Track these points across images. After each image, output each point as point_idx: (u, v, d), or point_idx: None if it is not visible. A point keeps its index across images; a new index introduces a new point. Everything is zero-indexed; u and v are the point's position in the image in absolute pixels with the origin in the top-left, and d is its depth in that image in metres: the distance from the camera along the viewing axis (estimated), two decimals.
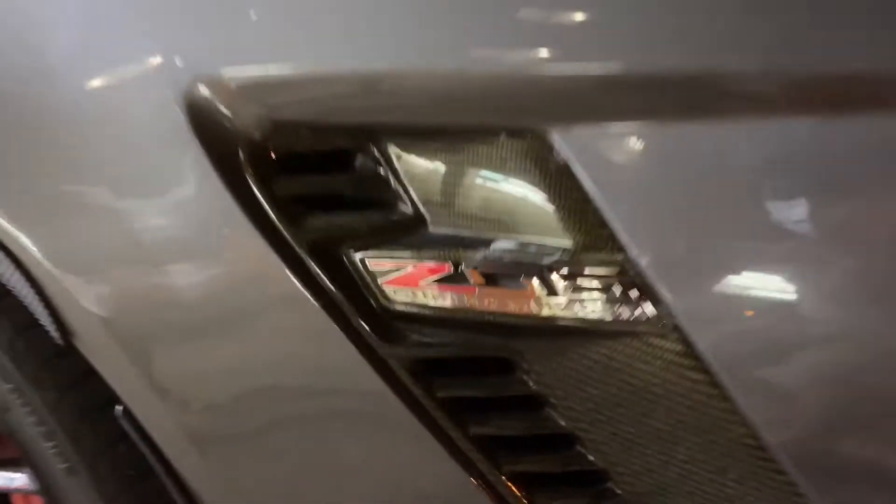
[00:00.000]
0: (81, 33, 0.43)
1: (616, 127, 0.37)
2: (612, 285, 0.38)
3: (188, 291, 0.44)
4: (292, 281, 0.42)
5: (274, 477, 0.50)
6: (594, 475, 0.44)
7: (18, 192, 0.44)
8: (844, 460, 0.37)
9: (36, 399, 0.50)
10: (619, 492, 0.44)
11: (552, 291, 0.40)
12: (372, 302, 0.43)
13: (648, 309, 0.37)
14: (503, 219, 0.40)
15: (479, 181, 0.41)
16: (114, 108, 0.43)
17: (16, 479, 0.59)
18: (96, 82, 0.43)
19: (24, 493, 0.62)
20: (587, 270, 0.39)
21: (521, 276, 0.40)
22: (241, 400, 0.47)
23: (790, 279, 0.35)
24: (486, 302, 0.41)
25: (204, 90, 0.41)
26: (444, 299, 0.42)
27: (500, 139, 0.39)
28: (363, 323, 0.42)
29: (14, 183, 0.44)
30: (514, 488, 0.44)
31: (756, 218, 0.35)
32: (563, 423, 0.43)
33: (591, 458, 0.43)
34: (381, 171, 0.42)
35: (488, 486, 0.44)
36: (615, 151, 0.37)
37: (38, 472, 0.54)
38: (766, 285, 0.35)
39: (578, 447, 0.43)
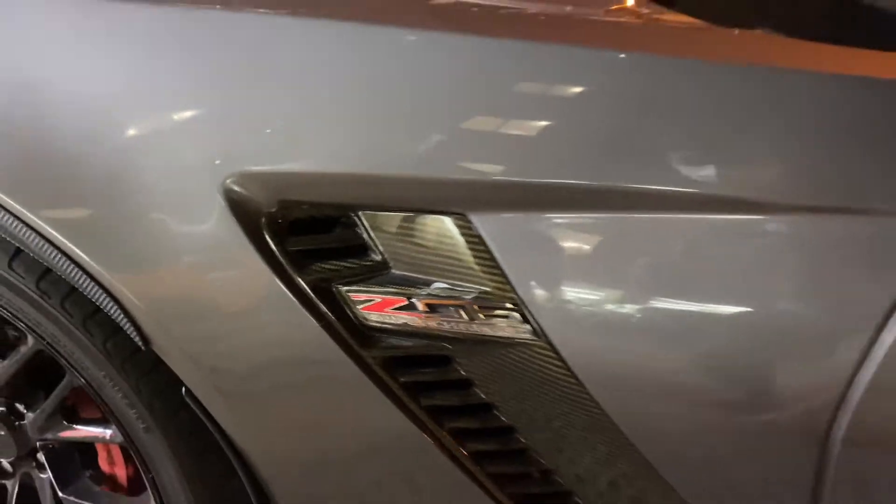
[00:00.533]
0: (159, 137, 0.62)
1: (510, 213, 0.58)
2: (508, 313, 0.60)
3: (227, 314, 0.65)
4: (299, 308, 0.62)
5: (285, 427, 0.71)
6: (506, 430, 0.66)
7: (117, 251, 0.64)
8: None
9: (122, 382, 0.72)
10: (522, 440, 0.66)
11: (471, 316, 0.61)
12: (354, 321, 0.63)
13: (526, 327, 0.59)
14: (440, 267, 0.61)
15: (424, 242, 0.61)
16: (175, 189, 0.63)
17: (108, 433, 0.82)
18: (165, 174, 0.62)
19: (113, 442, 0.85)
20: (492, 303, 0.60)
21: (450, 306, 0.61)
22: (262, 378, 0.68)
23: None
24: (429, 322, 0.62)
25: (234, 181, 0.60)
26: (402, 319, 0.63)
27: (437, 216, 0.60)
28: (348, 335, 0.63)
29: (112, 241, 0.64)
30: (452, 440, 0.66)
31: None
32: (483, 396, 0.65)
33: (503, 419, 0.65)
34: (359, 231, 0.63)
35: (436, 439, 0.67)
36: (510, 229, 0.58)
37: (123, 430, 0.76)
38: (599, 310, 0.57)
39: (495, 412, 0.65)
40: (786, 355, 0.56)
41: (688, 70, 0.55)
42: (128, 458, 0.91)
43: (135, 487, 0.91)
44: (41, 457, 0.93)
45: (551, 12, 0.64)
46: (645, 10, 0.69)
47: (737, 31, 0.63)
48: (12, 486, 0.97)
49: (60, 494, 0.90)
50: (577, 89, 0.56)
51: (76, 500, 0.89)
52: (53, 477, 0.90)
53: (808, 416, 0.55)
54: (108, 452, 0.91)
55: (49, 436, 0.87)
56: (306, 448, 0.73)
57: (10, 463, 0.96)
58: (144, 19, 0.62)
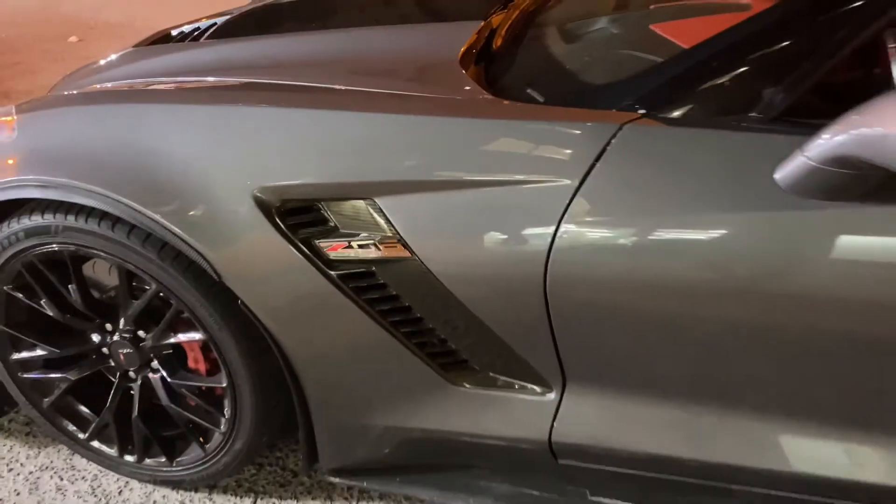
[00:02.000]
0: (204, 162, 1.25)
1: (394, 196, 1.20)
2: (396, 245, 1.21)
3: (259, 263, 1.27)
4: (295, 254, 1.24)
5: (299, 324, 1.33)
6: (419, 319, 1.27)
7: (203, 231, 1.26)
8: None
9: (206, 303, 1.33)
10: (443, 337, 1.28)
11: (378, 248, 1.22)
12: (323, 257, 1.25)
13: (406, 253, 1.21)
14: (363, 226, 1.23)
15: (354, 214, 1.23)
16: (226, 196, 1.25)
17: (197, 336, 1.44)
18: (218, 187, 1.25)
19: (198, 341, 1.48)
20: (389, 241, 1.21)
21: (370, 245, 1.22)
22: (280, 295, 1.29)
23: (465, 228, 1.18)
24: (359, 253, 1.23)
25: (259, 191, 1.22)
26: (349, 254, 1.24)
27: (359, 200, 1.22)
28: (320, 264, 1.25)
29: (199, 224, 1.26)
30: (392, 327, 1.27)
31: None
32: (393, 293, 1.26)
33: (414, 311, 1.26)
34: (323, 213, 1.24)
35: (383, 327, 1.27)
36: (396, 203, 1.20)
37: (206, 331, 1.38)
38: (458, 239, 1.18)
39: (407, 304, 1.26)
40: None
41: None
42: (205, 358, 1.54)
43: (210, 374, 1.54)
44: (155, 364, 1.56)
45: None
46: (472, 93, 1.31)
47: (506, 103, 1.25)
48: (137, 388, 1.60)
49: (170, 380, 1.53)
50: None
51: (180, 381, 1.52)
52: (165, 372, 1.53)
53: (532, 273, 1.14)
54: (195, 356, 1.54)
55: (161, 344, 1.50)
56: (314, 339, 1.35)
57: (133, 371, 1.59)
58: None
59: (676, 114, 1.12)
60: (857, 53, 1.03)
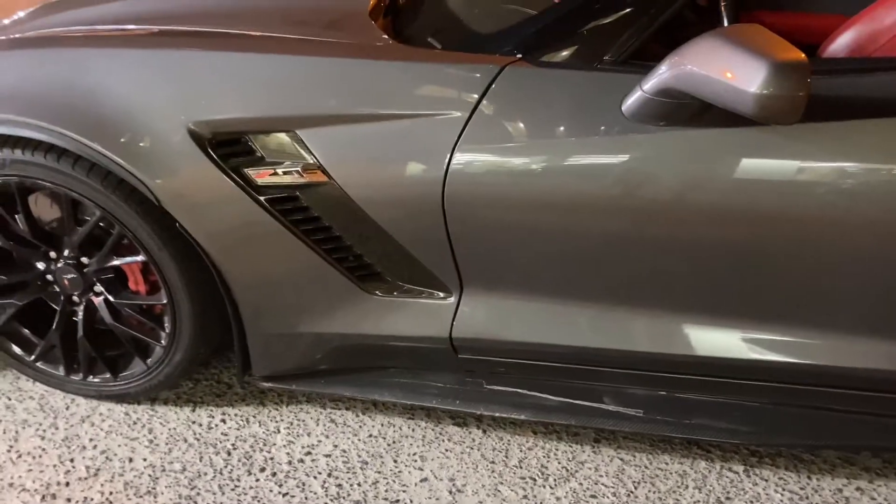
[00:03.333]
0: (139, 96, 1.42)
1: (311, 129, 1.40)
2: (317, 171, 1.42)
3: (195, 191, 1.45)
4: (226, 180, 1.43)
5: (230, 242, 1.53)
6: (338, 237, 1.48)
7: (143, 160, 1.43)
8: None
9: (147, 226, 1.50)
10: (359, 252, 1.49)
11: (301, 174, 1.42)
12: (252, 183, 1.44)
13: (325, 178, 1.41)
14: (286, 156, 1.42)
15: (279, 146, 1.42)
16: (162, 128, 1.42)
17: (139, 258, 1.61)
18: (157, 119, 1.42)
19: (139, 263, 1.65)
20: (311, 168, 1.42)
21: (293, 171, 1.42)
22: (213, 217, 1.48)
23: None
24: (285, 179, 1.43)
25: (193, 125, 1.40)
26: (274, 180, 1.44)
27: (282, 132, 1.41)
28: (251, 189, 1.44)
29: (139, 154, 1.43)
30: (314, 243, 1.49)
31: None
32: (315, 215, 1.47)
33: (333, 229, 1.48)
34: (250, 144, 1.43)
35: (307, 244, 1.48)
36: (314, 135, 1.40)
37: (147, 253, 1.55)
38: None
39: (327, 224, 1.48)
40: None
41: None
42: (145, 280, 1.71)
43: (151, 294, 1.72)
44: (98, 288, 1.72)
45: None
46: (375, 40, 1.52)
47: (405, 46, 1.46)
48: (81, 311, 1.76)
49: (113, 301, 1.70)
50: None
51: (123, 301, 1.70)
52: (108, 294, 1.70)
53: (431, 193, 1.37)
54: (135, 278, 1.71)
55: (104, 268, 1.66)
56: (246, 258, 1.54)
57: (77, 295, 1.75)
58: None
59: (547, 57, 1.36)
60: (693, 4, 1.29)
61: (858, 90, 1.26)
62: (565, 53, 1.36)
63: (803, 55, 1.06)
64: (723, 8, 1.57)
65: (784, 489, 1.56)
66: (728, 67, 1.07)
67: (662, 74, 1.18)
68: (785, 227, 1.26)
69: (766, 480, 1.58)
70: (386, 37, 1.54)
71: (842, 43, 1.48)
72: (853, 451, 1.64)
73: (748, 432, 1.56)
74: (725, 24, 1.60)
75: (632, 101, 1.25)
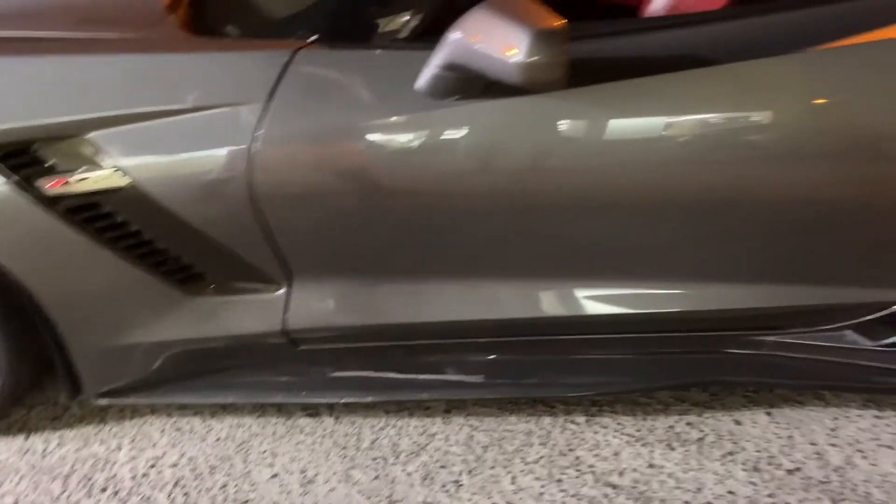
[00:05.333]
0: None
1: (104, 130, 1.33)
2: (112, 175, 1.35)
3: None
4: (18, 195, 1.34)
5: (34, 265, 1.44)
6: (150, 241, 1.42)
7: None
8: None
9: None
10: (175, 254, 1.43)
11: (98, 180, 1.35)
12: (43, 194, 1.36)
13: (127, 181, 1.35)
14: (80, 162, 1.35)
15: (71, 152, 1.34)
16: None
17: None
18: None
19: None
20: (108, 174, 1.35)
21: (88, 179, 1.35)
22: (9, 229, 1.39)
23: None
24: (77, 187, 1.36)
25: None
26: (65, 190, 1.36)
27: (77, 137, 1.33)
28: (42, 201, 1.35)
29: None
30: (124, 251, 1.42)
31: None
32: (135, 228, 1.40)
33: (152, 241, 1.41)
34: (39, 154, 1.35)
35: (118, 252, 1.41)
36: (113, 135, 1.33)
37: None
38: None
39: (144, 236, 1.41)
40: None
41: None
42: None
43: None
44: None
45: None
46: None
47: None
48: None
49: None
50: None
51: None
52: None
53: (237, 186, 1.35)
54: None
55: None
56: (52, 274, 1.46)
57: None
58: None
59: (338, 39, 1.34)
60: None
61: (639, 50, 1.32)
62: (357, 34, 1.35)
63: (562, 21, 1.09)
64: None
65: (622, 433, 1.64)
66: (494, 38, 1.09)
67: (444, 49, 1.19)
68: (578, 182, 1.30)
69: (606, 427, 1.66)
70: (179, 29, 1.48)
71: (659, 3, 1.53)
72: (683, 389, 1.74)
73: (586, 384, 1.63)
74: None
75: (424, 77, 1.26)
